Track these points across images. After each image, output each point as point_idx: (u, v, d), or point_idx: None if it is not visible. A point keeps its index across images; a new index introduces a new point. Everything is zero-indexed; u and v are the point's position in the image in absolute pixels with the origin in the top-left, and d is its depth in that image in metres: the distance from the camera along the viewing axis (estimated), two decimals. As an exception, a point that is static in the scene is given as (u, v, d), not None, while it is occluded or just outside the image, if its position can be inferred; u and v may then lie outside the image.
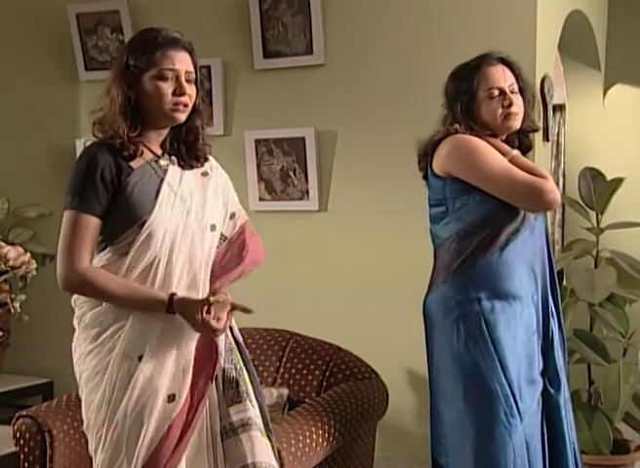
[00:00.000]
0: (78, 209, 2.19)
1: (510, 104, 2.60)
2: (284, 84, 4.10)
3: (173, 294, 2.20)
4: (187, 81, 2.25)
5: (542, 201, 2.48)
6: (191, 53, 2.27)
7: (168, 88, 2.22)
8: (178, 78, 2.22)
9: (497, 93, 2.59)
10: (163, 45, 2.22)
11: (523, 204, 2.51)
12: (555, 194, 2.49)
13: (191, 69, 2.26)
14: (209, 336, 2.26)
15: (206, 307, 2.18)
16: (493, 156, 2.52)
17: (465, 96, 2.59)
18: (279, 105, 4.11)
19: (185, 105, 2.25)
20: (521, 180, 2.48)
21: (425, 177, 2.71)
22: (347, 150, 4.01)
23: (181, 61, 2.23)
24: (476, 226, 2.55)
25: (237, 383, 2.31)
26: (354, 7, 3.98)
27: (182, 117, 2.27)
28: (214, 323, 2.19)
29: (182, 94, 2.23)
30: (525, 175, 2.49)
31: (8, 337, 4.33)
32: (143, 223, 2.19)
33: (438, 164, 2.60)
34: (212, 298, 2.19)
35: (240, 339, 2.42)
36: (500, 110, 2.59)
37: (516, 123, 2.62)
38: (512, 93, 2.61)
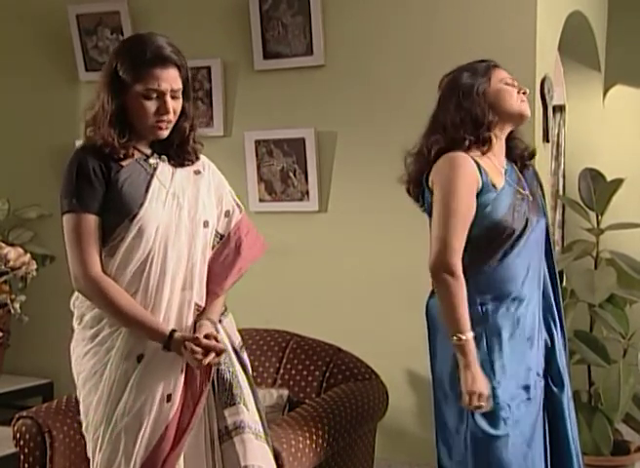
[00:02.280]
0: (77, 210, 2.21)
1: (525, 92, 2.61)
2: (284, 85, 4.10)
3: (173, 331, 2.22)
4: (173, 97, 2.25)
5: (434, 272, 2.46)
6: (180, 67, 2.26)
7: (151, 106, 2.23)
8: (162, 97, 2.23)
9: (510, 81, 2.60)
10: (150, 63, 2.21)
11: (430, 260, 2.48)
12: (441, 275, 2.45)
13: (178, 86, 2.25)
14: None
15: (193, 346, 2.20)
16: (460, 205, 2.47)
17: (483, 83, 2.56)
18: (279, 106, 4.12)
19: (168, 122, 2.26)
20: (438, 252, 2.45)
21: (420, 200, 2.69)
22: (347, 151, 4.01)
23: (167, 80, 2.23)
24: (477, 238, 2.53)
25: (231, 386, 2.32)
26: (354, 8, 3.98)
27: (165, 133, 2.28)
28: (203, 358, 2.20)
29: (165, 113, 2.24)
30: (447, 246, 2.44)
31: (8, 338, 4.32)
32: (134, 217, 2.21)
33: (432, 176, 2.59)
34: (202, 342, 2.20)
35: (236, 344, 2.42)
36: (515, 94, 2.58)
37: (528, 110, 2.62)
38: None
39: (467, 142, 2.54)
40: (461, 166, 2.50)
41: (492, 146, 2.59)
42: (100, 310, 2.24)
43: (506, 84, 2.58)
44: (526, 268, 2.57)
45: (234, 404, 2.31)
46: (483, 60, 2.63)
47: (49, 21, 4.53)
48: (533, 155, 2.73)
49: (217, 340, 2.24)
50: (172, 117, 2.26)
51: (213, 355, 2.20)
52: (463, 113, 2.54)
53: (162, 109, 2.23)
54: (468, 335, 2.44)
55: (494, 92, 2.57)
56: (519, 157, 2.69)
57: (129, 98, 2.23)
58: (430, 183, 2.57)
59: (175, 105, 2.26)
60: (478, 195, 2.50)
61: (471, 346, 2.44)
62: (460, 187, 2.48)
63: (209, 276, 2.35)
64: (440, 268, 2.46)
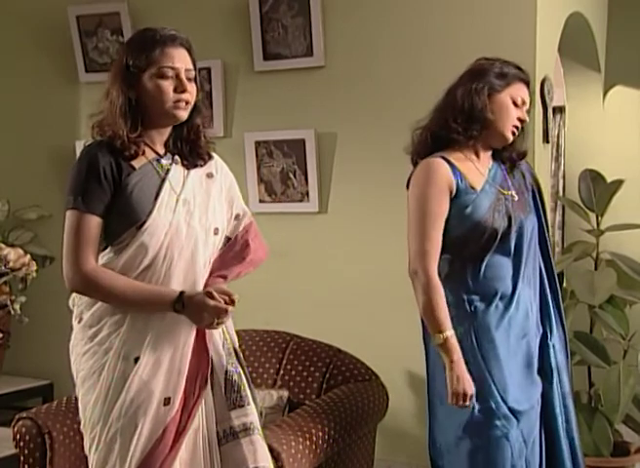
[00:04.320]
0: (80, 209, 2.18)
1: (523, 121, 2.62)
2: (284, 86, 4.10)
3: (182, 292, 2.19)
4: (187, 79, 2.23)
5: (412, 276, 2.53)
6: (189, 50, 2.26)
7: (169, 86, 2.20)
8: (178, 76, 2.21)
9: (520, 101, 2.60)
10: (162, 43, 2.21)
11: (410, 265, 2.54)
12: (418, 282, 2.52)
13: (191, 67, 2.25)
14: (201, 336, 2.26)
15: (215, 294, 2.19)
16: (433, 210, 2.52)
17: (498, 87, 2.57)
18: (279, 107, 4.12)
19: (187, 103, 2.24)
20: (413, 256, 2.53)
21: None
22: (347, 152, 4.01)
23: (181, 59, 2.23)
24: (460, 239, 2.55)
25: (239, 387, 2.31)
26: (354, 9, 3.98)
27: (184, 115, 2.26)
28: (223, 305, 2.18)
29: (184, 91, 2.22)
30: (421, 251, 2.50)
31: (8, 339, 4.33)
32: (142, 225, 2.19)
33: (411, 180, 2.62)
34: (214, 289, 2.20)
35: (237, 345, 2.41)
36: (513, 117, 2.59)
37: (511, 137, 2.64)
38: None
39: (455, 133, 2.56)
40: (435, 171, 2.54)
41: (476, 148, 2.62)
42: (103, 302, 2.22)
43: (514, 103, 2.59)
44: (514, 267, 2.59)
45: (242, 405, 2.30)
46: (519, 68, 2.64)
47: (49, 23, 4.53)
48: (523, 156, 2.73)
49: (230, 296, 2.22)
50: (189, 98, 2.24)
51: (230, 308, 2.20)
52: (468, 99, 2.56)
53: (180, 88, 2.21)
54: (449, 334, 2.48)
55: (498, 102, 2.58)
56: (508, 159, 2.70)
57: (142, 86, 2.20)
58: (408, 187, 2.62)
59: (191, 88, 2.24)
60: (454, 198, 2.55)
61: (453, 345, 2.48)
62: (433, 193, 2.53)
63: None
64: (415, 273, 2.53)
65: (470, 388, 2.47)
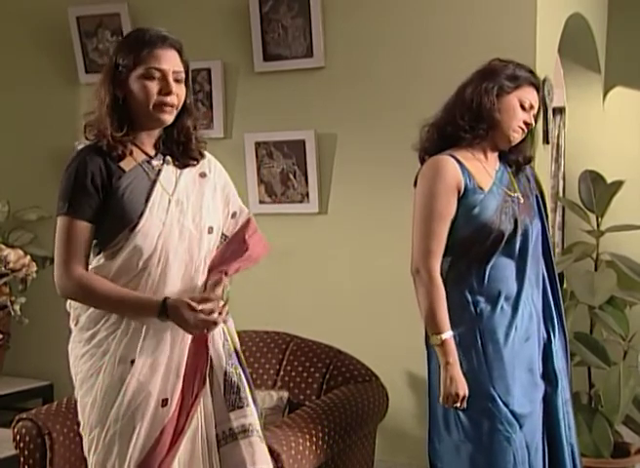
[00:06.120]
0: (70, 215, 2.18)
1: (529, 125, 2.61)
2: (284, 87, 4.10)
3: (166, 298, 2.18)
4: (176, 81, 2.21)
5: (414, 274, 2.54)
6: (180, 51, 2.24)
7: (154, 87, 2.18)
8: (165, 77, 2.19)
9: (527, 105, 2.59)
10: (150, 43, 2.19)
11: (413, 263, 2.55)
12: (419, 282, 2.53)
13: (179, 68, 2.23)
14: (201, 335, 2.25)
15: (195, 305, 2.16)
16: (440, 209, 2.51)
17: (508, 89, 2.56)
18: (279, 108, 4.12)
19: (172, 106, 2.22)
20: (417, 254, 2.52)
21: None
22: (347, 153, 4.01)
23: (169, 61, 2.20)
24: (466, 240, 2.55)
25: (239, 388, 2.30)
26: (354, 9, 3.98)
27: (169, 118, 2.23)
28: (208, 317, 2.15)
29: (168, 93, 2.19)
30: (426, 250, 2.51)
31: (8, 340, 4.33)
32: (134, 227, 2.18)
33: (418, 178, 2.62)
34: (201, 300, 2.18)
35: (238, 346, 2.41)
36: (520, 120, 2.58)
37: (517, 140, 2.63)
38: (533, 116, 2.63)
39: (462, 131, 2.56)
40: (443, 168, 2.53)
41: (484, 148, 2.62)
42: (93, 307, 2.22)
43: (522, 106, 2.58)
44: (518, 269, 2.59)
45: (242, 407, 2.30)
46: (532, 72, 2.63)
47: (49, 23, 4.53)
48: (529, 161, 2.73)
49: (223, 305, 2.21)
50: (175, 100, 2.21)
51: (220, 319, 2.19)
52: (477, 98, 2.56)
53: (164, 89, 2.18)
54: (447, 335, 2.49)
55: (506, 103, 2.57)
56: (514, 162, 2.69)
57: (129, 86, 2.19)
58: (415, 184, 2.61)
59: (178, 90, 2.21)
60: (462, 198, 2.54)
61: (450, 346, 2.49)
62: (440, 191, 2.52)
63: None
64: (418, 271, 2.52)
65: (463, 390, 2.47)
